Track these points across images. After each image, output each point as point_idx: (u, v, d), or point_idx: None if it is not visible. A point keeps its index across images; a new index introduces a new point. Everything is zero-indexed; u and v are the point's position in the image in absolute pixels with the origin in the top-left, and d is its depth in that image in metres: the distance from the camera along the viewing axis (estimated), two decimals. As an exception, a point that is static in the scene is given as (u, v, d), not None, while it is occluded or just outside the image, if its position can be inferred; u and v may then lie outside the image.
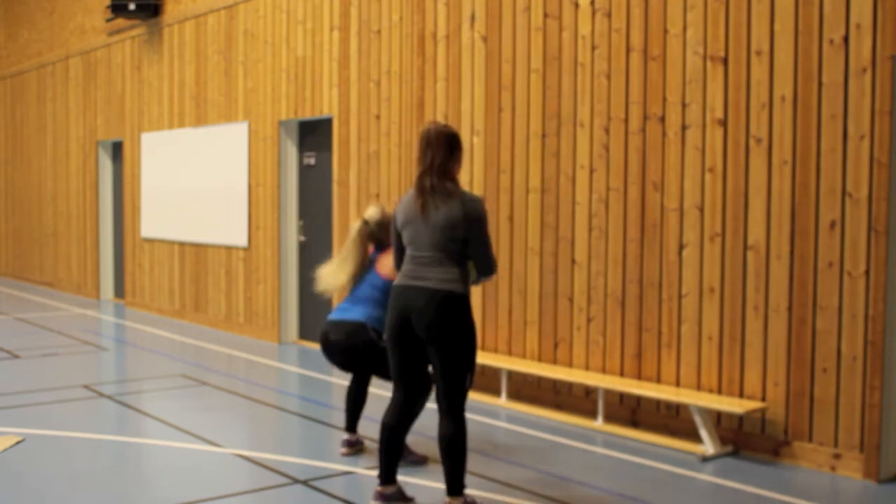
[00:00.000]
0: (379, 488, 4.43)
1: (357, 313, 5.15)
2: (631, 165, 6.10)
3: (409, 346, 4.27)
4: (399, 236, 4.38)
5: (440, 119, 7.45)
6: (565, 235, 6.48)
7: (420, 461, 5.17)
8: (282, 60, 9.27)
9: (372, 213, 5.34)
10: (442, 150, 4.21)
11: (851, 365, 5.06)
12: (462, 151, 4.32)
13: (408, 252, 4.29)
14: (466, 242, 4.21)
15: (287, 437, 5.90)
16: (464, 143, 7.26)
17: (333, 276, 5.31)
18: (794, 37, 5.26)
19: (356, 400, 5.43)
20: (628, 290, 6.12)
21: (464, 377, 4.20)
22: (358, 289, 5.26)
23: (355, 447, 5.41)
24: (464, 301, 4.18)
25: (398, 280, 4.30)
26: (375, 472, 5.06)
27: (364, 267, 5.30)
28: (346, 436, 5.44)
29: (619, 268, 6.18)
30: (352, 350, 5.13)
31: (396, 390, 4.39)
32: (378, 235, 5.32)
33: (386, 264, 5.19)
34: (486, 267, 4.26)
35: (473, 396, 6.94)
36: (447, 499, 4.24)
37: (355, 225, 5.31)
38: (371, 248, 5.37)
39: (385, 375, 5.12)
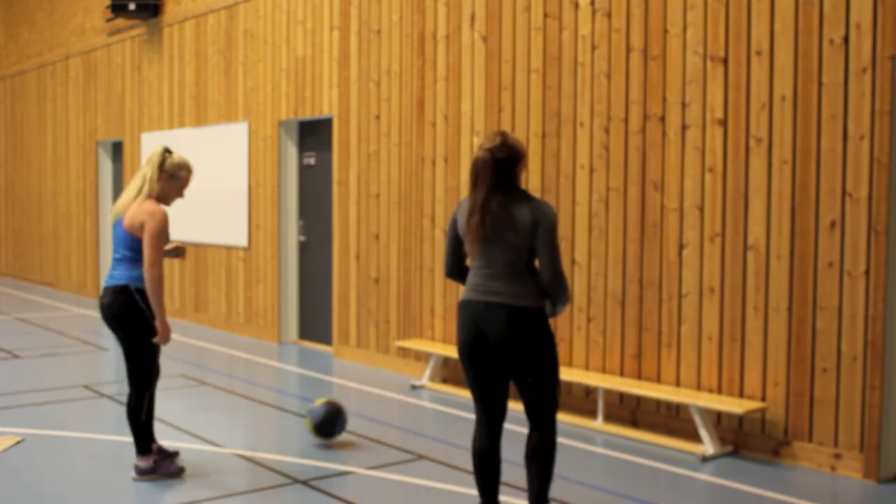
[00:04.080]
0: None
1: (118, 276, 4.84)
2: (631, 165, 6.10)
3: (486, 365, 3.98)
4: (457, 240, 4.12)
5: (440, 119, 7.46)
6: (565, 235, 6.48)
7: (175, 472, 5.00)
8: (282, 60, 9.27)
9: (180, 156, 4.98)
10: (497, 174, 3.94)
11: (851, 365, 5.06)
12: (523, 158, 4.04)
13: (474, 263, 4.01)
14: (535, 252, 3.95)
15: (287, 437, 5.90)
16: (466, 144, 7.28)
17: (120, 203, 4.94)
18: (794, 37, 5.26)
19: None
20: (628, 290, 6.12)
21: (553, 390, 4.00)
22: (115, 248, 4.89)
23: None
24: (542, 315, 3.94)
25: (468, 295, 4.01)
26: (376, 472, 5.07)
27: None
28: None
29: (619, 268, 6.18)
30: (118, 316, 4.81)
31: (482, 411, 4.06)
32: (167, 181, 4.90)
33: (142, 212, 4.78)
34: (554, 279, 3.90)
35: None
36: None
37: (157, 150, 4.92)
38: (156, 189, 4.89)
39: (142, 353, 4.85)
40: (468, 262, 4.13)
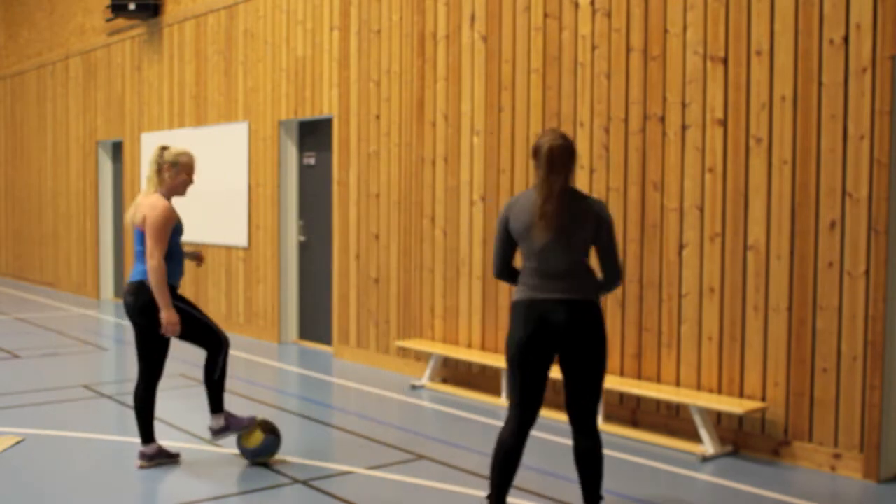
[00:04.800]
0: None
1: (136, 272, 5.00)
2: (631, 165, 6.10)
3: (539, 364, 3.99)
4: (509, 239, 4.08)
5: (440, 119, 7.46)
6: (565, 235, 6.47)
7: (248, 425, 5.11)
8: (282, 60, 9.27)
9: (178, 149, 5.12)
10: (571, 162, 4.00)
11: (851, 365, 5.06)
12: (577, 155, 4.13)
13: (533, 262, 4.00)
14: (597, 249, 4.03)
15: (287, 437, 5.90)
16: (466, 144, 7.28)
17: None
18: (794, 37, 5.26)
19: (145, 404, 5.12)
20: (628, 290, 6.12)
21: (601, 387, 4.04)
22: (136, 243, 5.06)
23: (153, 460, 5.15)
24: (599, 309, 4.01)
25: (530, 293, 3.99)
26: (376, 472, 5.07)
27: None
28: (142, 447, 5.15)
29: (619, 268, 6.18)
30: (138, 311, 4.96)
31: (518, 409, 4.03)
32: (170, 170, 5.06)
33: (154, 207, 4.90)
34: (617, 274, 4.06)
35: (474, 396, 6.95)
36: None
37: (154, 150, 5.09)
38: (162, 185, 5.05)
39: (153, 347, 4.98)
40: (518, 262, 4.14)
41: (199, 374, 7.80)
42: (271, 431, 5.17)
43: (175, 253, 5.03)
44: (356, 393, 7.22)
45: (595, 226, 3.97)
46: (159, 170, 5.05)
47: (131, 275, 5.03)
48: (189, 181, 5.14)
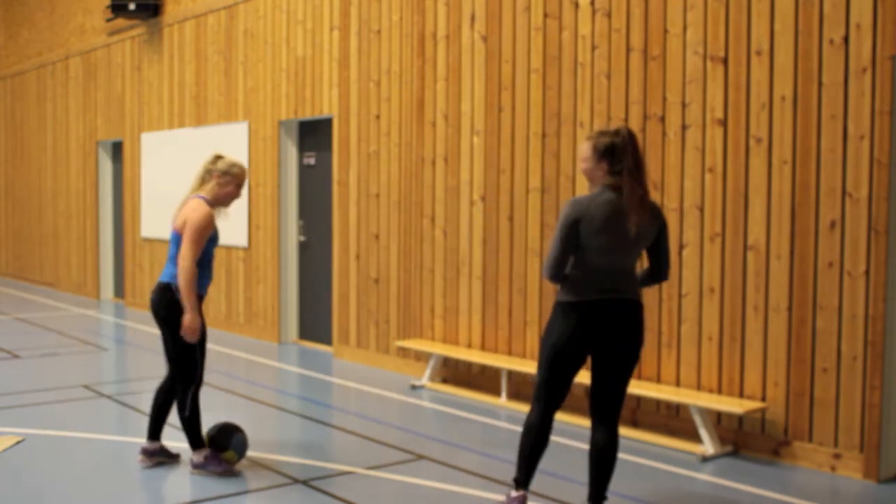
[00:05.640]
0: (518, 493, 4.16)
1: (164, 274, 5.00)
2: (631, 165, 6.10)
3: (581, 362, 4.10)
4: (577, 241, 4.00)
5: (440, 119, 7.46)
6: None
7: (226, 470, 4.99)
8: (282, 60, 9.27)
9: (230, 160, 5.11)
10: (639, 154, 4.02)
11: (851, 365, 5.06)
12: None
13: (598, 261, 3.99)
14: (655, 248, 4.15)
15: (287, 437, 5.90)
16: (466, 144, 7.28)
17: None
18: (794, 37, 5.26)
19: (162, 403, 5.11)
20: (628, 290, 6.12)
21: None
22: (170, 245, 5.04)
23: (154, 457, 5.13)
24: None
25: (592, 295, 3.99)
26: (376, 472, 5.07)
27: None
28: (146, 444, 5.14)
29: (619, 268, 6.18)
30: (158, 312, 4.95)
31: (546, 401, 4.12)
32: (221, 178, 5.06)
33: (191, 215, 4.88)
34: (666, 271, 4.22)
35: (474, 396, 6.95)
36: None
37: (209, 157, 5.12)
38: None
39: (181, 349, 4.91)
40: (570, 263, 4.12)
41: (209, 377, 7.80)
42: (235, 430, 5.12)
43: (205, 262, 4.98)
44: (356, 393, 7.22)
45: (659, 227, 4.11)
46: (209, 176, 5.05)
47: (161, 276, 4.99)
48: (236, 194, 5.11)
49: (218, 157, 5.12)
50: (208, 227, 4.88)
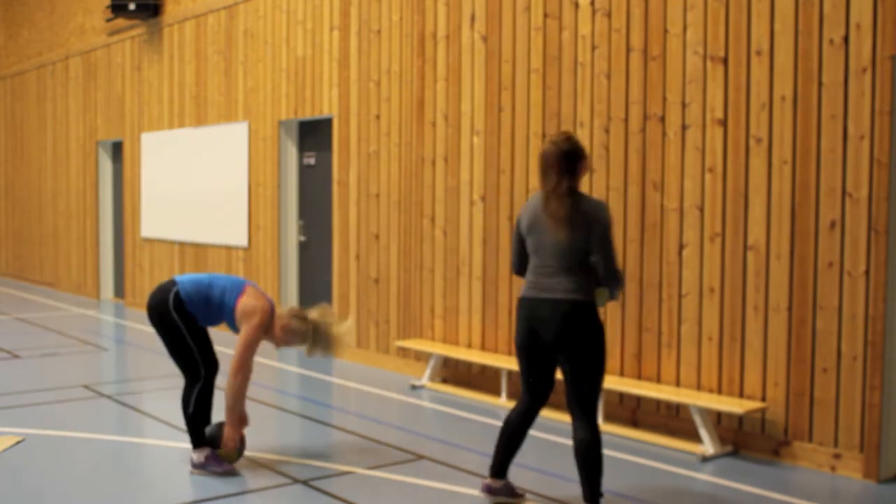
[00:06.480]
0: (488, 481, 4.48)
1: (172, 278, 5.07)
2: (631, 165, 6.10)
3: (536, 357, 4.32)
4: (522, 239, 4.38)
5: (440, 119, 7.46)
6: (565, 235, 6.47)
7: (226, 471, 5.00)
8: (282, 60, 9.27)
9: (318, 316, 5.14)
10: (565, 164, 4.20)
11: (851, 365, 5.06)
12: (585, 158, 4.26)
13: (532, 262, 4.30)
14: (589, 251, 4.19)
15: (287, 437, 5.90)
16: (466, 144, 7.28)
17: None
18: (794, 37, 5.26)
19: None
20: (628, 290, 6.12)
21: (597, 383, 4.21)
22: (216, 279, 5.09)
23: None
24: (592, 309, 4.18)
25: (525, 292, 4.30)
26: (376, 472, 5.07)
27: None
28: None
29: (619, 268, 6.18)
30: (155, 316, 4.98)
31: (524, 394, 4.43)
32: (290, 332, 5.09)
33: (246, 315, 4.95)
34: (612, 275, 4.19)
35: (474, 396, 6.95)
36: None
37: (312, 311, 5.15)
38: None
39: (184, 356, 4.96)
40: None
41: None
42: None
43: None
44: (356, 393, 7.22)
45: (589, 227, 4.14)
46: (289, 317, 5.08)
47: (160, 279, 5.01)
48: (285, 343, 5.14)
49: (313, 313, 5.12)
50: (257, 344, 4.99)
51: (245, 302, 4.92)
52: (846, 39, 5.05)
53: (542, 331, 4.21)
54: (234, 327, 4.98)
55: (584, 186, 6.37)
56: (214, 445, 5.03)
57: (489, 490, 4.45)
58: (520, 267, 4.46)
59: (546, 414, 6.38)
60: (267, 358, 8.62)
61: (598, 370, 4.21)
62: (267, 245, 9.55)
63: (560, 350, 4.20)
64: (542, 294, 4.21)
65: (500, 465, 4.45)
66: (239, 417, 4.98)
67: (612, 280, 4.20)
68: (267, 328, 4.97)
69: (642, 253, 6.04)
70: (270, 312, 4.98)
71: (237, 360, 4.88)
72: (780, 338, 5.36)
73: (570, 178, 4.17)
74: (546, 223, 4.20)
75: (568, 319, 4.14)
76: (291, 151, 9.44)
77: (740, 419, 5.54)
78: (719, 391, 5.66)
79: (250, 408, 6.60)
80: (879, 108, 4.92)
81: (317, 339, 5.06)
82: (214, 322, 5.01)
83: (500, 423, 6.18)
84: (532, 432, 5.91)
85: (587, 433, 4.17)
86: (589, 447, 4.15)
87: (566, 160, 4.17)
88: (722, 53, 5.59)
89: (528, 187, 6.76)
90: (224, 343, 6.48)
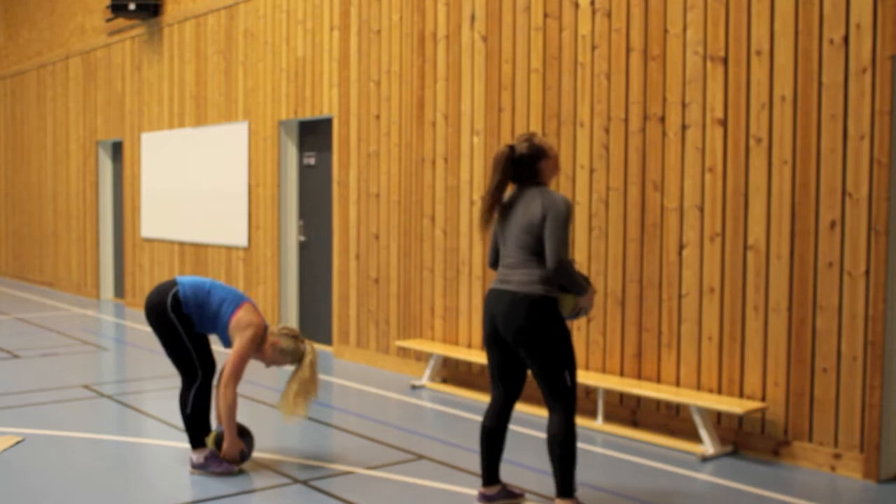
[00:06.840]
0: (482, 489, 4.45)
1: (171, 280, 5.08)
2: (631, 165, 6.10)
3: (497, 350, 4.34)
4: (496, 234, 4.45)
5: (440, 119, 7.46)
6: (565, 235, 6.47)
7: (227, 471, 5.00)
8: (282, 60, 9.27)
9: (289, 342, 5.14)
10: (513, 167, 4.28)
11: (851, 365, 5.06)
12: (548, 157, 4.30)
13: (500, 254, 4.38)
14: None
15: (287, 437, 5.90)
16: (466, 144, 7.28)
17: None
18: (794, 37, 5.26)
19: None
20: (628, 290, 6.12)
21: (561, 376, 4.16)
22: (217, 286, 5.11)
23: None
24: (545, 302, 4.14)
25: (491, 284, 4.35)
26: (376, 472, 5.07)
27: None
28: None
29: (619, 268, 6.18)
30: (153, 315, 4.98)
31: (492, 391, 4.45)
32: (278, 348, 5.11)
33: (238, 328, 4.96)
34: (551, 260, 4.08)
35: (474, 396, 6.95)
36: (557, 501, 4.19)
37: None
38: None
39: (179, 347, 4.97)
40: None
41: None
42: (243, 433, 5.11)
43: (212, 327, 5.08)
44: (356, 393, 7.22)
45: (541, 221, 4.16)
46: (268, 340, 5.09)
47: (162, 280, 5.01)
48: (272, 362, 5.19)
49: (303, 344, 5.17)
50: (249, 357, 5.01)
51: (240, 316, 4.95)
52: (846, 39, 5.05)
53: (500, 325, 4.22)
54: (226, 340, 5.00)
55: (584, 186, 6.38)
56: (220, 447, 5.04)
57: (485, 498, 4.43)
58: (493, 260, 4.49)
59: (543, 413, 6.38)
60: (267, 358, 8.62)
61: (562, 365, 4.14)
62: (267, 245, 9.56)
63: (517, 345, 4.19)
64: (502, 286, 4.23)
65: (489, 471, 4.43)
66: (233, 429, 4.97)
67: (561, 275, 4.09)
68: (259, 344, 5.01)
69: (642, 253, 6.04)
70: (264, 329, 5.02)
71: (229, 372, 4.90)
72: (780, 338, 5.36)
73: (524, 179, 4.26)
74: (511, 217, 4.26)
75: (522, 313, 4.12)
76: (291, 151, 9.45)
77: (740, 419, 5.54)
78: (719, 391, 5.66)
79: (251, 407, 6.61)
80: (879, 108, 4.92)
81: (300, 368, 5.11)
82: (209, 329, 5.02)
83: (500, 423, 6.18)
84: (531, 432, 5.92)
85: (558, 428, 4.15)
86: (559, 442, 4.14)
87: (515, 163, 4.24)
88: (722, 53, 5.59)
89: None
90: (224, 343, 6.47)
